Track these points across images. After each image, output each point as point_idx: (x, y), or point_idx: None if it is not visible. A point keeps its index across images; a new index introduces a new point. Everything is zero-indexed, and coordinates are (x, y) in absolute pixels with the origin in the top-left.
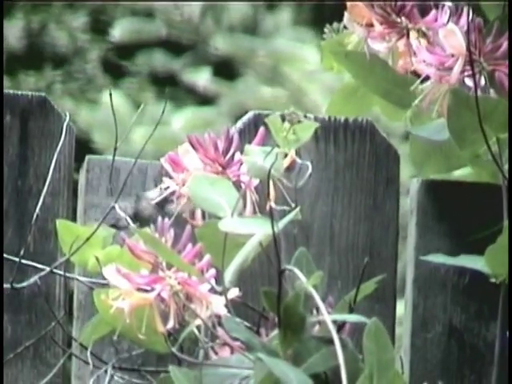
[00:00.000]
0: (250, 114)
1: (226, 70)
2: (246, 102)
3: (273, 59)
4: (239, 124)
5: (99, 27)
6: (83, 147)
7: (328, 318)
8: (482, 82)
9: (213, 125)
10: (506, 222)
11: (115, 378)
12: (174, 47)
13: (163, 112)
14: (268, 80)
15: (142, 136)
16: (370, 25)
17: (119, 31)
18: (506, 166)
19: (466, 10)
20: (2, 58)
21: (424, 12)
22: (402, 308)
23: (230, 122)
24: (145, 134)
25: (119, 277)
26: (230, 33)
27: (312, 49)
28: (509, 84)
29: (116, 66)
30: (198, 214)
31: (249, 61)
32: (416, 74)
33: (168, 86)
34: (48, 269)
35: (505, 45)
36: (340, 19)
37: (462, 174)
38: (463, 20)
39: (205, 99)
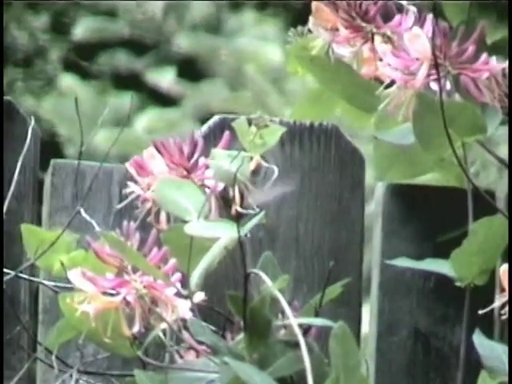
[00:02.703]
0: (215, 118)
1: (190, 70)
2: (210, 104)
3: (236, 58)
4: (204, 128)
5: (60, 27)
6: (48, 141)
7: (294, 321)
8: (448, 86)
9: (177, 126)
10: (471, 226)
11: (80, 382)
12: (136, 47)
13: (128, 116)
14: (232, 81)
15: (106, 137)
16: (335, 29)
17: (81, 30)
18: (472, 170)
19: (430, 14)
20: (2, 58)
21: (388, 17)
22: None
23: (194, 124)
24: (108, 136)
25: (85, 280)
26: (193, 32)
27: (275, 47)
28: (509, 87)
29: (77, 65)
30: (163, 217)
31: (212, 60)
32: (380, 80)
33: (131, 87)
34: (13, 273)
35: (470, 49)
36: (305, 19)
37: (427, 178)
38: (428, 25)
39: (169, 100)
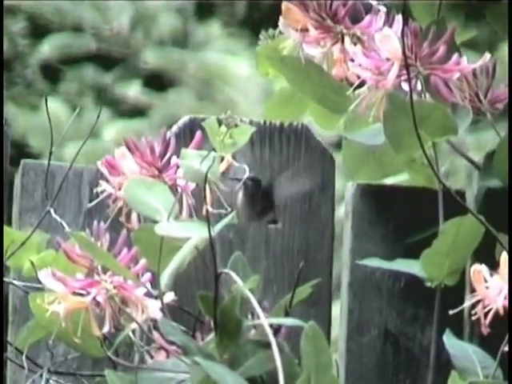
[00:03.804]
0: (185, 118)
1: (157, 82)
2: (178, 114)
3: (203, 72)
4: (175, 128)
5: (38, 31)
6: (19, 152)
7: (265, 321)
8: (418, 86)
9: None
10: (441, 226)
11: (51, 382)
12: (104, 61)
13: (97, 119)
14: (199, 91)
15: (76, 148)
16: (305, 29)
17: (48, 47)
18: (442, 170)
19: (400, 15)
20: (2, 58)
21: (358, 17)
22: (338, 311)
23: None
24: (78, 147)
25: (55, 281)
26: (160, 46)
27: (242, 61)
28: (509, 87)
29: (56, 70)
30: (134, 217)
31: (180, 73)
32: (351, 81)
33: (99, 99)
34: None
35: (441, 49)
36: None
37: (398, 178)
38: (398, 25)
39: (136, 111)
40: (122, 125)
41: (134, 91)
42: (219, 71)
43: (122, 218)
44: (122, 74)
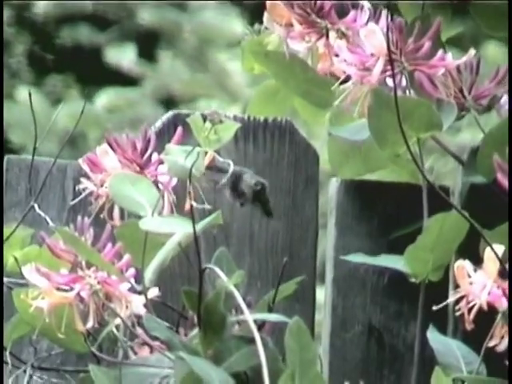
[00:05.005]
0: (169, 114)
1: (152, 47)
2: (170, 84)
3: (200, 34)
4: (158, 124)
5: (24, 20)
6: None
7: (249, 317)
8: (403, 82)
9: (136, 106)
10: (425, 222)
11: (34, 377)
12: (99, 21)
13: (82, 113)
14: (192, 61)
15: (67, 114)
16: (290, 25)
17: (43, 4)
18: (426, 166)
19: (385, 11)
20: (2, 57)
21: (343, 13)
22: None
23: (153, 104)
24: (68, 113)
25: (39, 276)
26: (157, 6)
27: (238, 24)
28: (509, 89)
29: (41, 60)
30: (116, 214)
31: (175, 35)
32: (336, 76)
33: (92, 64)
34: None
35: (426, 45)
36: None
37: (382, 173)
38: (383, 21)
39: (129, 80)
40: (114, 93)
41: (127, 60)
42: (215, 32)
43: (105, 215)
44: (116, 36)
